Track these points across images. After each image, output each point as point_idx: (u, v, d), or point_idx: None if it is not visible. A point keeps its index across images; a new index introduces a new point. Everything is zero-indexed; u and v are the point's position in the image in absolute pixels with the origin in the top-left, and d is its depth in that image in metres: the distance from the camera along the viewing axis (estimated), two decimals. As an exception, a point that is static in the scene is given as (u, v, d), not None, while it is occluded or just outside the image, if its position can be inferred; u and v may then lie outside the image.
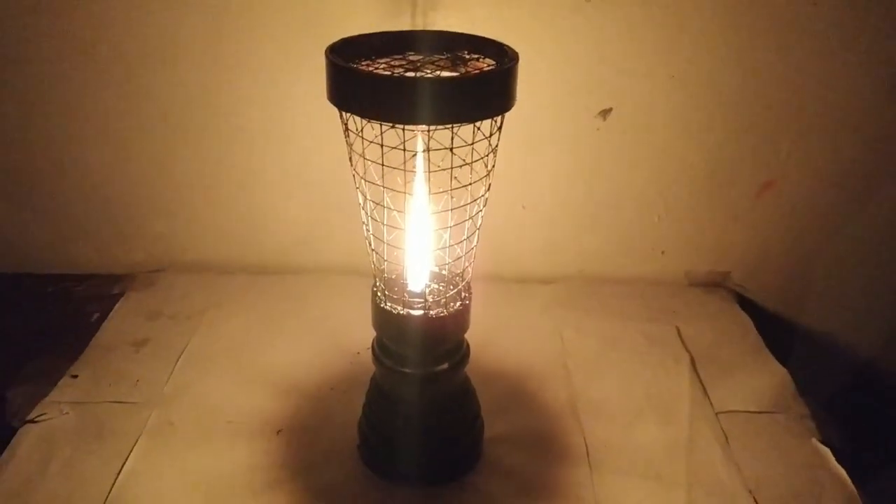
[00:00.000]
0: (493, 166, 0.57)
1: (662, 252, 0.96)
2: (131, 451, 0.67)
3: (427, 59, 0.58)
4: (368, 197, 0.57)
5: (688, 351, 0.83)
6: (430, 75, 0.53)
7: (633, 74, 0.85)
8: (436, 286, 0.62)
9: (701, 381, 0.79)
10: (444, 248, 0.58)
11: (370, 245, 0.60)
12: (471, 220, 0.58)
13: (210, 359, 0.80)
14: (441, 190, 0.55)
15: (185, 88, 0.86)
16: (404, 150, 0.53)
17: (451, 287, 0.61)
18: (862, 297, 0.98)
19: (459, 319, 0.61)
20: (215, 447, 0.68)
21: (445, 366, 0.62)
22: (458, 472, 0.66)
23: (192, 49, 0.84)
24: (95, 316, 0.87)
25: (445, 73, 0.55)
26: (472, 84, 0.51)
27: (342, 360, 0.80)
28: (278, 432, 0.70)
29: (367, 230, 0.60)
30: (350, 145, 0.57)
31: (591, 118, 0.88)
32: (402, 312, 0.59)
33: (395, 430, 0.65)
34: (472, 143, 0.54)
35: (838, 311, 0.99)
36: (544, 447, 0.69)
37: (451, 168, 0.54)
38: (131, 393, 0.74)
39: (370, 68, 0.54)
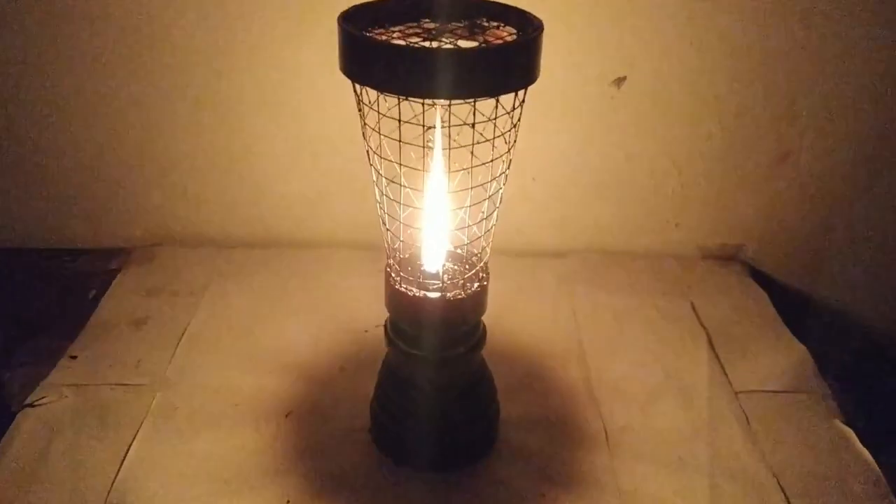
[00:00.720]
0: (514, 142, 0.54)
1: (676, 224, 0.94)
2: (135, 437, 0.65)
3: (444, 27, 0.55)
4: (382, 173, 0.55)
5: (704, 327, 0.81)
6: (448, 45, 0.50)
7: (650, 42, 0.82)
8: (453, 266, 0.59)
9: (719, 360, 0.77)
10: (461, 228, 0.56)
11: (384, 224, 0.58)
12: (489, 199, 0.55)
13: (214, 338, 0.77)
14: (459, 168, 0.53)
15: (180, 57, 0.82)
16: (423, 126, 0.50)
17: (469, 267, 0.59)
18: (875, 269, 0.96)
19: (477, 301, 0.58)
20: (222, 431, 0.66)
21: (461, 349, 0.60)
22: (473, 456, 0.64)
23: (186, 16, 0.80)
24: (93, 293, 0.84)
25: (464, 43, 0.52)
26: (495, 55, 0.48)
27: (350, 338, 0.78)
28: (287, 415, 0.68)
29: (381, 208, 0.57)
30: (363, 118, 0.53)
31: (605, 87, 0.85)
32: (417, 295, 0.57)
33: (409, 414, 0.63)
34: (494, 119, 0.51)
35: (851, 283, 0.97)
36: (562, 430, 0.67)
37: (472, 145, 0.51)
38: (133, 375, 0.72)
39: (384, 37, 0.51)
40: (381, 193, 0.56)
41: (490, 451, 0.65)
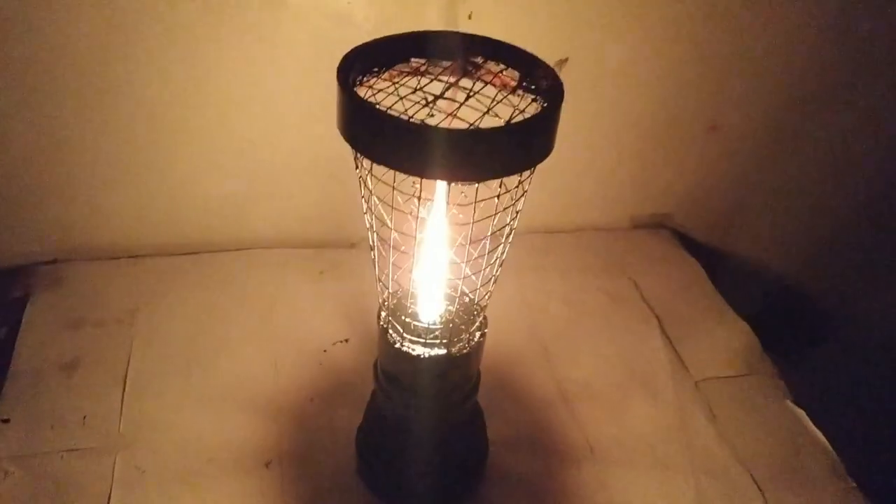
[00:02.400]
0: (521, 208, 0.51)
1: (610, 199, 0.95)
2: (106, 514, 0.59)
3: (433, 63, 0.51)
4: (378, 233, 0.50)
5: (652, 310, 0.84)
6: (448, 124, 0.44)
7: (592, 23, 0.79)
8: (456, 319, 0.56)
9: (673, 346, 0.79)
10: (465, 277, 0.53)
11: (378, 279, 0.54)
12: (496, 256, 0.52)
13: (160, 376, 0.71)
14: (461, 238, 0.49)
15: (74, 52, 0.71)
16: (419, 197, 0.46)
17: (472, 318, 0.56)
18: (787, 225, 1.02)
19: (480, 351, 0.56)
20: (202, 493, 0.62)
21: (461, 395, 0.58)
22: (469, 488, 0.64)
23: (84, 12, 0.68)
24: (3, 331, 0.74)
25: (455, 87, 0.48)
26: (510, 134, 0.42)
27: (311, 360, 0.74)
28: (267, 465, 0.64)
29: (375, 265, 0.53)
30: (361, 177, 0.49)
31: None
32: (422, 356, 0.54)
33: (403, 456, 0.61)
34: (497, 196, 0.47)
35: (766, 239, 1.03)
36: (546, 446, 0.68)
37: (472, 224, 0.47)
38: (83, 436, 0.65)
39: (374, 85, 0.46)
40: (376, 251, 0.52)
41: (483, 477, 0.65)
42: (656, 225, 0.98)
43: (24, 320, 0.75)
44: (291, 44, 0.74)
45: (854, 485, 0.67)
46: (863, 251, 1.03)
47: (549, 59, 0.79)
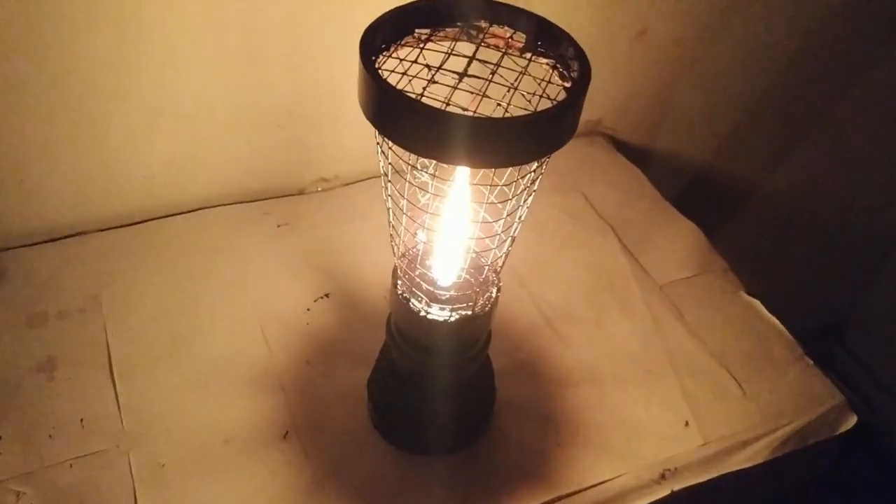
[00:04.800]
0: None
1: (547, 112, 0.96)
2: (139, 515, 0.59)
3: (438, 33, 0.49)
4: (392, 197, 0.50)
5: (606, 221, 0.87)
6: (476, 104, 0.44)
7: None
8: (469, 279, 0.57)
9: (633, 255, 0.84)
10: (480, 245, 0.54)
11: (392, 240, 0.53)
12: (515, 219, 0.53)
13: (148, 363, 0.68)
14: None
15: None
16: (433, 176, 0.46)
17: (485, 281, 0.57)
18: (706, 115, 1.07)
19: (493, 310, 0.58)
20: (228, 476, 0.62)
21: (475, 351, 0.60)
22: (484, 425, 0.67)
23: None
24: (-41, 340, 0.69)
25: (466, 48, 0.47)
26: (535, 121, 0.42)
27: (296, 323, 0.73)
28: (285, 436, 0.65)
29: (390, 225, 0.53)
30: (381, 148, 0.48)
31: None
32: (436, 318, 0.55)
33: (417, 409, 0.63)
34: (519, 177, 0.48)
35: (687, 130, 1.08)
36: (542, 371, 0.72)
37: (486, 202, 0.48)
38: (86, 440, 0.62)
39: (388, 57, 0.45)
40: (392, 225, 0.52)
41: (493, 414, 0.68)
42: (589, 132, 1.01)
43: (-22, 324, 0.70)
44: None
45: (810, 362, 0.75)
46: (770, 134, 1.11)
47: None
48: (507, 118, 0.41)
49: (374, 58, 0.44)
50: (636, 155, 1.01)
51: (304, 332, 0.73)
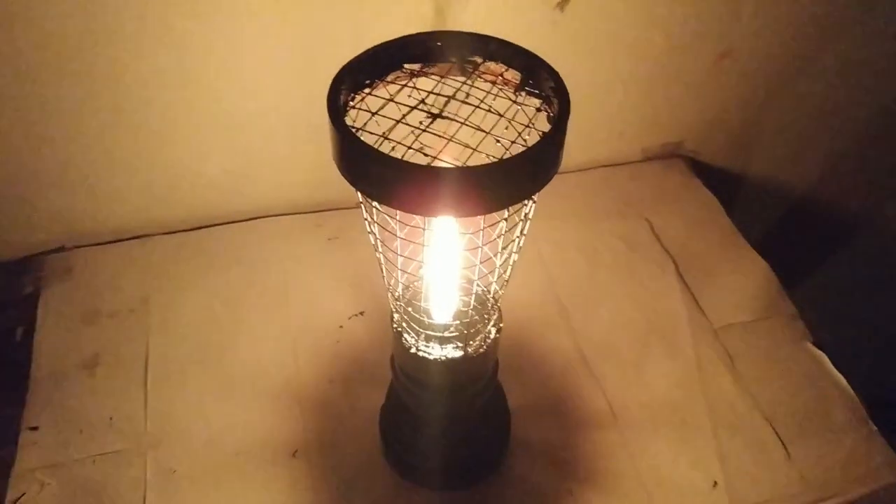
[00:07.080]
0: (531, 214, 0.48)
1: (620, 134, 0.91)
2: (145, 518, 0.61)
3: (428, 69, 0.48)
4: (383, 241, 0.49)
5: (668, 252, 0.82)
6: (453, 162, 0.42)
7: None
8: (472, 313, 0.55)
9: (690, 290, 0.78)
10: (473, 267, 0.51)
11: (387, 283, 0.52)
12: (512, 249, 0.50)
13: (180, 368, 0.71)
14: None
15: (59, 42, 0.67)
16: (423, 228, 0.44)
17: (487, 314, 0.55)
18: (800, 144, 0.99)
19: (496, 346, 0.56)
20: (235, 487, 0.63)
21: (479, 387, 0.58)
22: (493, 465, 0.65)
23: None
24: (19, 332, 0.74)
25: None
26: (519, 162, 0.39)
27: (327, 340, 0.74)
28: (294, 454, 0.65)
29: (383, 269, 0.51)
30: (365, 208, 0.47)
31: (548, 11, 0.77)
32: (438, 358, 0.53)
33: (426, 444, 0.62)
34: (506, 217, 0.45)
35: (780, 160, 1.00)
36: (568, 412, 0.69)
37: (480, 247, 0.45)
38: (111, 438, 0.66)
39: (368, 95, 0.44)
40: (385, 271, 0.50)
41: (507, 451, 0.66)
42: (669, 155, 0.95)
43: (38, 318, 0.75)
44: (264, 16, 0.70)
45: (875, 429, 0.67)
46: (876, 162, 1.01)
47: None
48: (467, 167, 0.39)
49: (343, 102, 0.43)
50: (721, 179, 0.95)
51: (333, 351, 0.73)
